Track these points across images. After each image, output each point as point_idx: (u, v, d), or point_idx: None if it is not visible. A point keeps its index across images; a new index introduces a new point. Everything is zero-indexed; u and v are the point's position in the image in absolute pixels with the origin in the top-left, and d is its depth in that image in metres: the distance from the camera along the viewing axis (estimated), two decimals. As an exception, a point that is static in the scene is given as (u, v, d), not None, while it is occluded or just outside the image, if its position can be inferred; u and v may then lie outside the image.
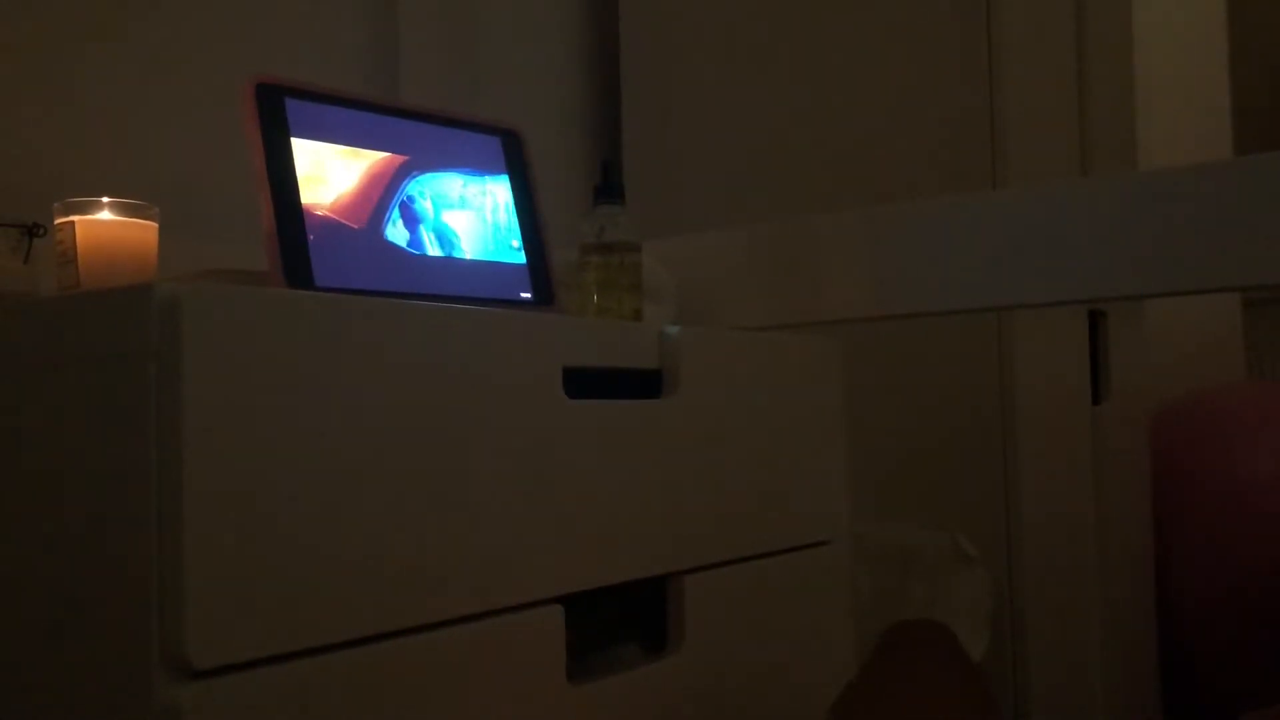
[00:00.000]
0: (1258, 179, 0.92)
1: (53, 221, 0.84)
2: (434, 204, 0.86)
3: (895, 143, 1.40)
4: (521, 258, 0.91)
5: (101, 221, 0.83)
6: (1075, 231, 1.00)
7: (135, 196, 0.86)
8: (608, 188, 1.02)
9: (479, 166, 0.91)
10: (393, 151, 0.84)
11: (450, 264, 0.85)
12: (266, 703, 0.57)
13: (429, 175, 0.86)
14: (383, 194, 0.82)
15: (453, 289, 0.84)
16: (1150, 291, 0.98)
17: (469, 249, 0.87)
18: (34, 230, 0.85)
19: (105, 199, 0.84)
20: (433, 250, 0.84)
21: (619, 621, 0.85)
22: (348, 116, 0.82)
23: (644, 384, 0.86)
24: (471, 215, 0.89)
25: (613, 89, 1.73)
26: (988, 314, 1.31)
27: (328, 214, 0.78)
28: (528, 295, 0.90)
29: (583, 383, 0.78)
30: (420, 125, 0.87)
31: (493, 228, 0.90)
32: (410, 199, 0.84)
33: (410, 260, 0.82)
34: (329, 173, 0.79)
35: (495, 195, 0.91)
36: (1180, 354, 1.98)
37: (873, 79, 1.42)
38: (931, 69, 1.37)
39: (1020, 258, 1.03)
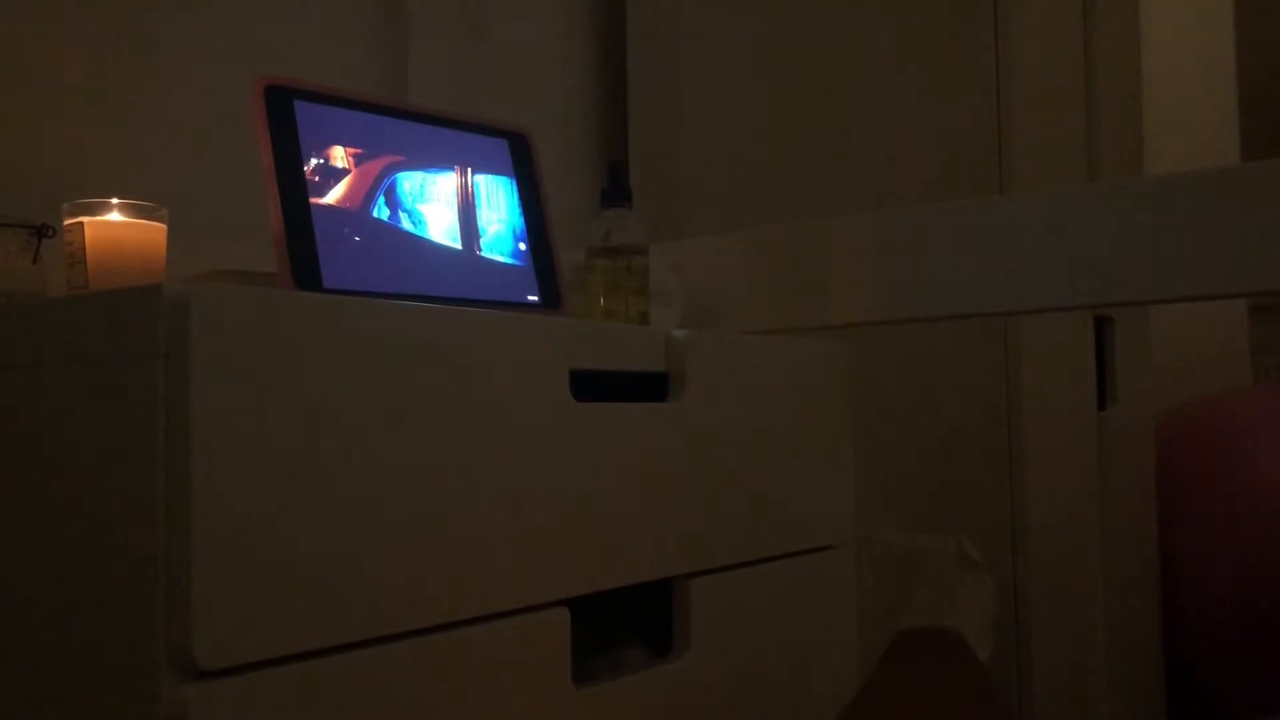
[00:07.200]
0: (1264, 185, 0.92)
1: (61, 222, 0.84)
2: (420, 198, 0.86)
3: (903, 146, 1.40)
4: (529, 260, 0.91)
5: (110, 222, 0.83)
6: (1082, 237, 1.00)
7: (144, 197, 0.86)
8: (615, 190, 1.02)
9: (486, 169, 0.91)
10: (401, 154, 0.84)
11: (458, 266, 0.85)
12: (273, 703, 0.57)
13: (428, 172, 0.86)
14: (382, 191, 0.82)
15: (461, 291, 0.84)
16: (1157, 297, 0.98)
17: (471, 248, 0.87)
18: (43, 231, 0.85)
19: (114, 200, 0.84)
20: (431, 239, 0.84)
21: (624, 624, 0.85)
22: (357, 119, 0.82)
23: (650, 387, 0.86)
24: (476, 216, 0.89)
25: (620, 91, 1.73)
26: (994, 319, 1.31)
27: (332, 209, 0.78)
28: (535, 298, 0.91)
29: (589, 385, 0.78)
30: (429, 128, 0.87)
31: (500, 229, 0.90)
32: (404, 195, 0.84)
33: (418, 262, 0.82)
34: (336, 175, 0.79)
35: (501, 196, 0.91)
36: (1186, 360, 1.97)
37: (880, 83, 1.42)
38: (939, 73, 1.37)
39: (1027, 263, 1.02)
